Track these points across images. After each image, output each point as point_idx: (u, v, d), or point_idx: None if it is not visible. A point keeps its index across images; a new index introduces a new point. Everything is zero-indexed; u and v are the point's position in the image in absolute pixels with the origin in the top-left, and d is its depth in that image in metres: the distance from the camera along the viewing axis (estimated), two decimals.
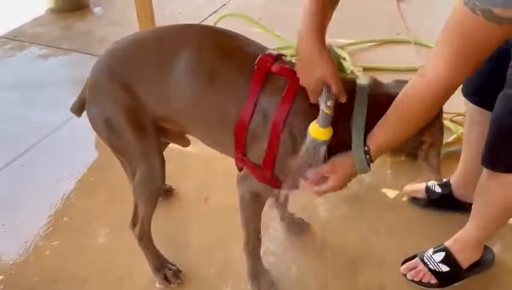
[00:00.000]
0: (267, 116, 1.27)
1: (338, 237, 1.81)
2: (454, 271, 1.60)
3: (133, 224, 1.63)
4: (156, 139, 1.44)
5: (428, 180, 1.92)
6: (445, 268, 1.60)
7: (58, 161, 2.25)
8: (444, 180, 1.86)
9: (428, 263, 1.62)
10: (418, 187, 1.93)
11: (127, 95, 1.36)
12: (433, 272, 1.61)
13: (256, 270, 1.60)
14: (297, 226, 1.83)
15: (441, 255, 1.62)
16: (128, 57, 1.39)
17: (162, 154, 1.49)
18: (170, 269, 1.65)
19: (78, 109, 1.52)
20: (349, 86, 1.24)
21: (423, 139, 1.26)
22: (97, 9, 3.97)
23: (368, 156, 1.19)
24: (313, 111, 1.22)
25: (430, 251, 1.65)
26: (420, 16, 3.38)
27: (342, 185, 1.25)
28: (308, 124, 1.22)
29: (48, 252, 1.79)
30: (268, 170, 1.31)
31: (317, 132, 1.19)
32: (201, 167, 2.16)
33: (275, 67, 1.29)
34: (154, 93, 1.36)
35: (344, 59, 2.85)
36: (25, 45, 3.37)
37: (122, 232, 1.68)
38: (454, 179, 1.85)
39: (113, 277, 1.69)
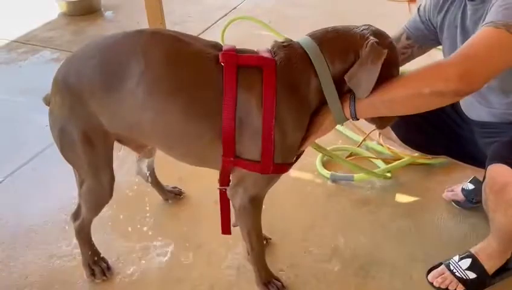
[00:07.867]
0: (253, 109, 1.23)
1: (350, 241, 1.80)
2: (482, 278, 1.56)
3: (75, 218, 1.62)
4: (107, 155, 1.42)
5: (462, 183, 1.89)
6: (472, 275, 1.56)
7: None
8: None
9: (455, 270, 1.58)
10: (456, 191, 1.91)
11: (80, 108, 1.32)
12: (460, 279, 1.57)
13: (264, 277, 1.58)
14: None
15: (467, 262, 1.57)
16: (80, 69, 1.32)
17: (112, 171, 1.46)
18: (100, 266, 1.66)
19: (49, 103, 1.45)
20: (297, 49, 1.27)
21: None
22: (108, 13, 4.01)
23: (353, 104, 1.25)
24: (298, 85, 1.24)
25: (456, 258, 1.61)
26: None
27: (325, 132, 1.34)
28: (296, 100, 1.25)
29: (58, 261, 1.80)
30: (270, 159, 1.26)
31: None
32: (210, 170, 2.15)
33: (242, 59, 1.24)
34: (106, 107, 1.31)
35: None
36: (37, 49, 3.41)
37: (133, 241, 1.67)
38: None
39: None
